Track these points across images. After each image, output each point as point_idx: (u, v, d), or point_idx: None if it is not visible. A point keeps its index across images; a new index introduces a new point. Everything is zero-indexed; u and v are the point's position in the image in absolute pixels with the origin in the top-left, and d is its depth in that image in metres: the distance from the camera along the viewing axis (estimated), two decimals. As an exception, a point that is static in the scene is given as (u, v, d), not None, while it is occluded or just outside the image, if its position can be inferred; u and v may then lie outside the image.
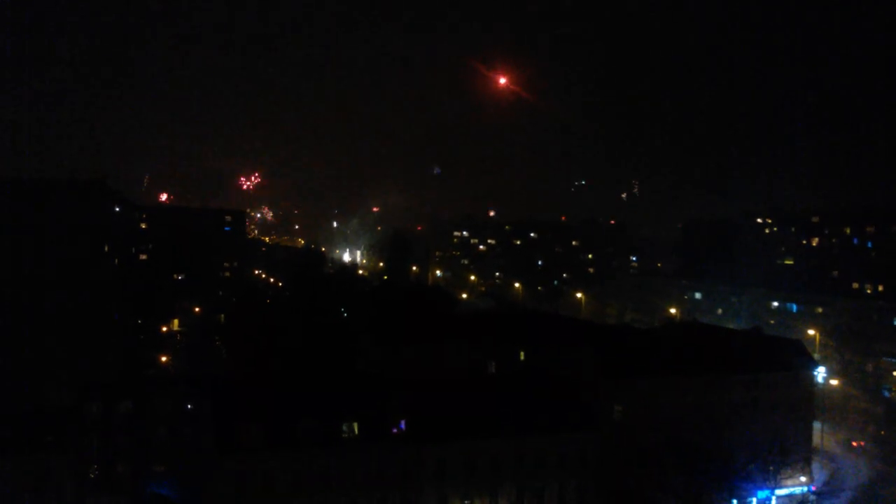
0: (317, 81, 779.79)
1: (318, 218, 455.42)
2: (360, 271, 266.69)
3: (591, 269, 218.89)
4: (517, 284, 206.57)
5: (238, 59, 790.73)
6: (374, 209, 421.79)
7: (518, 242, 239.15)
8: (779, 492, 74.87)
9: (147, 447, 68.96)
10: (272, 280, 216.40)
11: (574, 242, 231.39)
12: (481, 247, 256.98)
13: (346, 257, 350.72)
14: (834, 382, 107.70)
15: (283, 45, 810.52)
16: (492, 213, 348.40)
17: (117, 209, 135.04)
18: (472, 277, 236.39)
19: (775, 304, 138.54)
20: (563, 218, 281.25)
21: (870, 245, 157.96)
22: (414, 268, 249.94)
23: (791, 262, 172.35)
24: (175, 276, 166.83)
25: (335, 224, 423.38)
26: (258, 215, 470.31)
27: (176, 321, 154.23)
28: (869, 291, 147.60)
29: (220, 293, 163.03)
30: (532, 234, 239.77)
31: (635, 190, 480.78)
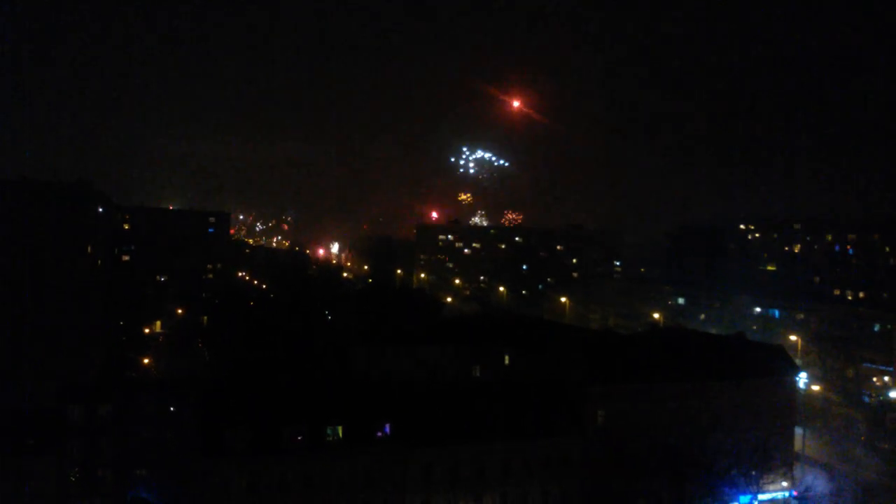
0: (313, 84, 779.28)
1: (305, 220, 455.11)
2: (345, 274, 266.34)
3: (575, 274, 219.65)
4: (501, 288, 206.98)
5: (236, 62, 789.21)
6: (361, 212, 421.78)
7: (503, 246, 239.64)
8: (761, 496, 75.27)
9: (129, 450, 68.33)
10: (256, 282, 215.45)
11: (559, 247, 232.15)
12: (466, 251, 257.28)
13: (332, 259, 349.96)
14: (815, 388, 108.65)
15: (283, 47, 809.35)
16: (476, 219, 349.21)
17: (100, 210, 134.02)
18: (457, 281, 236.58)
19: (758, 310, 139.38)
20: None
21: (851, 252, 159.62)
22: (399, 271, 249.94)
23: (774, 269, 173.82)
24: (158, 277, 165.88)
25: (322, 226, 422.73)
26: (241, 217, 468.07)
27: (158, 323, 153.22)
28: (850, 298, 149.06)
29: (204, 295, 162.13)
30: (517, 239, 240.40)
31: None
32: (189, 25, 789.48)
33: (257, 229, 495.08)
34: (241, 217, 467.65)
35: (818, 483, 78.33)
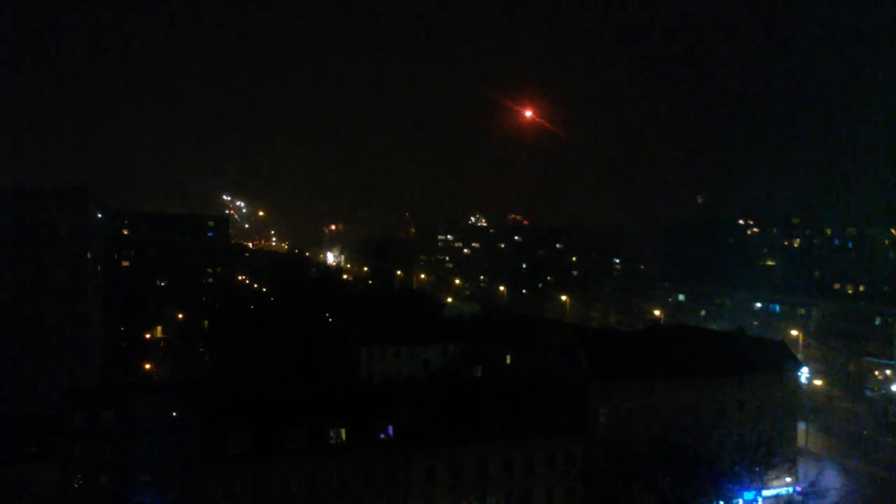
0: (314, 86, 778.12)
1: (304, 222, 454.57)
2: (345, 275, 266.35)
3: (575, 272, 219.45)
4: (501, 287, 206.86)
5: (236, 64, 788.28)
6: (361, 214, 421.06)
7: (502, 246, 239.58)
8: (765, 492, 75.22)
9: (132, 455, 68.24)
10: (256, 285, 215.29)
11: (558, 245, 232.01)
12: (465, 250, 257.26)
13: (331, 261, 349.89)
14: (817, 383, 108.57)
15: (285, 53, 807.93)
16: (473, 219, 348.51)
17: (99, 216, 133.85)
18: (457, 281, 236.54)
19: (758, 305, 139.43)
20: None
21: (850, 246, 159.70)
22: (399, 272, 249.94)
23: (773, 264, 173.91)
24: (158, 282, 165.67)
25: (321, 228, 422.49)
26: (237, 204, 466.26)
27: (159, 328, 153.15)
28: (850, 292, 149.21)
29: (204, 299, 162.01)
30: (516, 238, 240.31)
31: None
32: (189, 25, 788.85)
33: (256, 231, 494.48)
34: (240, 219, 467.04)
35: (826, 478, 78.20)
